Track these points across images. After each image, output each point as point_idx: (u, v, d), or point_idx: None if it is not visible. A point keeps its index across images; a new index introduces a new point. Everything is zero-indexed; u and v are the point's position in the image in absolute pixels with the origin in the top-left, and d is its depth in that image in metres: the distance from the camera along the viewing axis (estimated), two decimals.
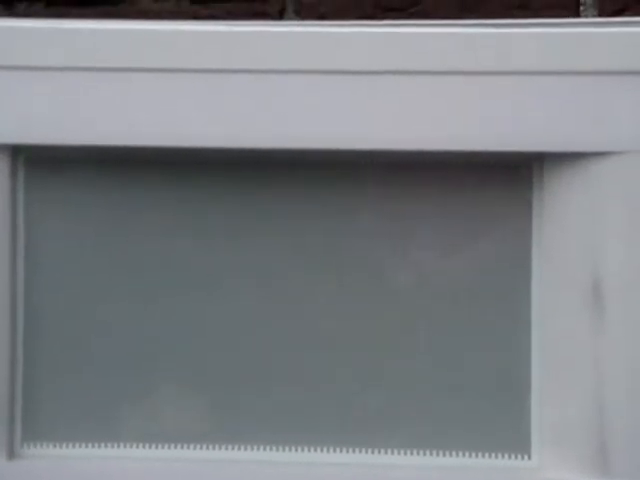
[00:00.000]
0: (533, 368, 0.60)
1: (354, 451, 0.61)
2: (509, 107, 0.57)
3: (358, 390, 0.61)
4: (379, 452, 0.61)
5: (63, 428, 0.62)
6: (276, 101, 0.57)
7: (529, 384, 0.60)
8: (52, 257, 0.62)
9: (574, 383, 0.59)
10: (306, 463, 0.61)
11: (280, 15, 0.69)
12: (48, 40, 0.58)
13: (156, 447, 0.62)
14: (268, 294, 0.61)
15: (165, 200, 0.61)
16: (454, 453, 0.61)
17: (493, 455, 0.61)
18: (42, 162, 0.61)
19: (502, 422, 0.60)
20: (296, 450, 0.61)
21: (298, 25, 0.62)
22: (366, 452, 0.61)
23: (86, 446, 0.62)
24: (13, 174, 0.60)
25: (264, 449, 0.61)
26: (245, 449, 0.61)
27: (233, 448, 0.61)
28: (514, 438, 0.60)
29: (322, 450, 0.61)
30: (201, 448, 0.62)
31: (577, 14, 0.70)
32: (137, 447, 0.62)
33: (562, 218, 0.59)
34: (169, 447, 0.62)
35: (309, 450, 0.61)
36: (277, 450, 0.61)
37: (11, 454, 0.61)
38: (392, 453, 0.61)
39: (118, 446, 0.62)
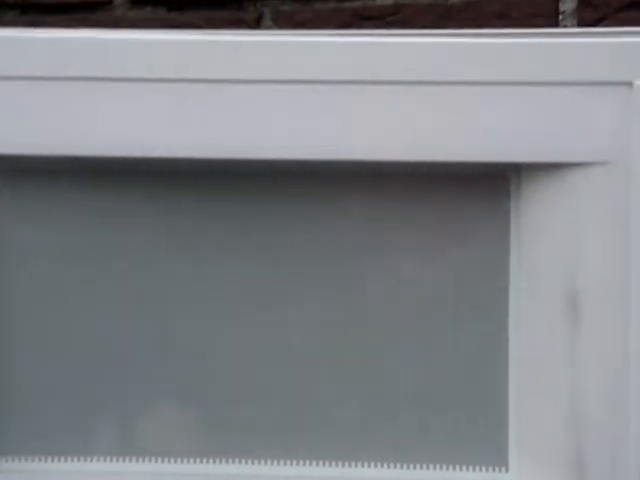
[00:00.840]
0: (510, 380, 0.60)
1: (330, 464, 0.61)
2: (486, 117, 0.57)
3: (335, 404, 0.61)
4: (356, 465, 0.60)
5: (35, 442, 0.61)
6: (251, 111, 0.57)
7: (506, 396, 0.60)
8: (23, 268, 0.61)
9: (551, 395, 0.59)
10: (283, 477, 0.60)
11: (257, 23, 0.69)
12: (18, 49, 0.57)
13: (130, 461, 0.61)
14: (248, 306, 0.61)
15: (136, 210, 0.61)
16: (432, 466, 0.60)
17: (471, 468, 0.60)
18: (12, 172, 0.60)
19: (479, 435, 0.60)
20: (271, 464, 0.61)
21: (275, 34, 0.61)
22: (342, 466, 0.60)
23: (58, 460, 0.61)
24: None
25: (239, 462, 0.61)
26: (220, 462, 0.61)
27: (207, 462, 0.61)
28: (492, 451, 0.60)
29: (297, 464, 0.61)
30: (175, 462, 0.61)
31: (556, 23, 0.70)
32: (110, 461, 0.61)
33: (539, 228, 0.59)
34: (142, 461, 0.61)
35: (285, 464, 0.61)
36: (246, 463, 0.61)
37: None
38: (369, 466, 0.60)
39: (91, 460, 0.61)
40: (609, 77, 0.57)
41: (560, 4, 0.69)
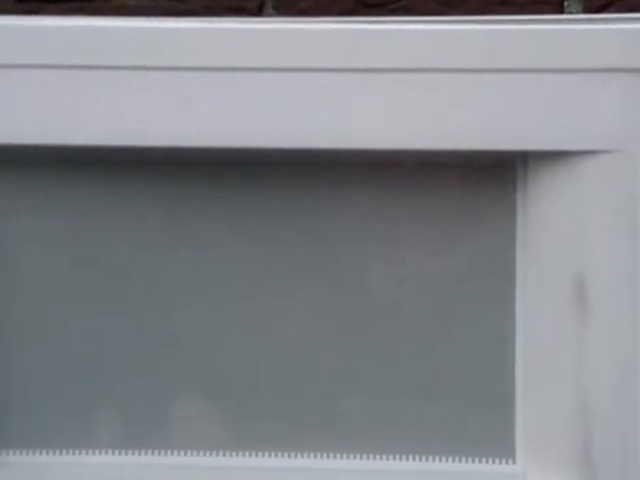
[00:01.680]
0: (517, 372, 0.59)
1: (336, 457, 0.60)
2: (492, 105, 0.56)
3: (343, 396, 0.60)
4: (362, 458, 0.60)
5: (35, 435, 0.60)
6: (252, 99, 0.56)
7: (513, 388, 0.59)
8: (15, 259, 0.60)
9: (558, 386, 0.58)
10: (288, 469, 0.60)
11: (259, 10, 0.68)
12: (14, 37, 0.56)
13: (132, 454, 0.60)
14: (252, 295, 0.60)
15: (134, 199, 0.60)
16: (438, 458, 0.60)
17: (477, 460, 0.60)
18: (7, 162, 0.59)
19: (487, 427, 0.60)
20: (276, 456, 0.60)
21: (276, 22, 0.60)
22: (347, 458, 0.60)
23: (60, 453, 0.60)
24: None
25: (242, 455, 0.60)
26: (224, 455, 0.60)
27: (211, 454, 0.60)
28: (499, 443, 0.59)
29: (304, 456, 0.60)
30: (177, 454, 0.60)
31: (561, 10, 0.69)
32: (112, 454, 0.60)
33: (546, 217, 0.58)
34: (144, 453, 0.60)
35: (289, 456, 0.60)
36: (256, 456, 0.60)
37: None
38: (376, 459, 0.60)
39: (93, 453, 0.60)
40: (616, 64, 0.56)
41: None
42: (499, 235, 0.60)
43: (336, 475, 0.59)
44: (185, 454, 0.60)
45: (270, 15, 0.68)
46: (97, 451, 0.60)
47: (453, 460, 0.60)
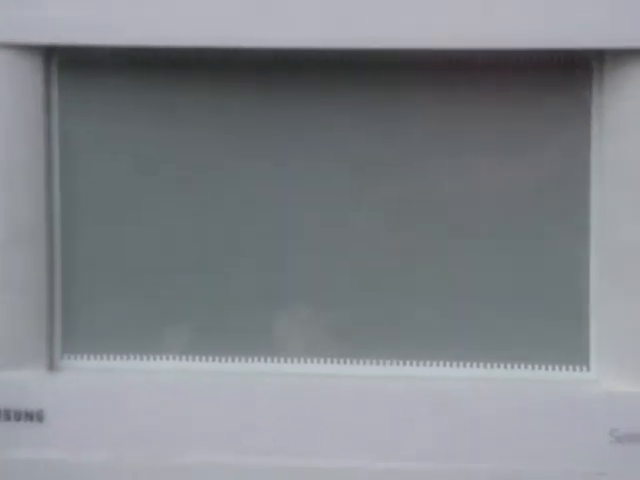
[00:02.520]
0: (592, 279, 0.58)
1: (404, 364, 0.59)
2: (565, 1, 0.54)
3: (409, 302, 0.59)
4: (431, 365, 0.59)
5: (103, 341, 0.60)
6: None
7: (587, 294, 0.58)
8: (88, 164, 0.59)
9: (634, 293, 0.56)
10: (351, 376, 0.59)
11: None
12: None
13: (200, 360, 0.60)
14: (310, 201, 0.59)
15: (199, 103, 0.59)
16: (510, 365, 0.59)
17: (551, 367, 0.58)
18: (76, 63, 0.58)
19: (560, 333, 0.58)
20: (344, 363, 0.59)
21: None
22: (417, 365, 0.59)
23: (127, 358, 0.60)
24: (47, 75, 0.58)
25: (307, 361, 0.60)
26: (285, 361, 0.60)
27: (273, 360, 0.60)
28: (573, 350, 0.58)
29: (366, 363, 0.59)
30: (247, 361, 0.60)
31: None
32: (180, 359, 0.60)
33: (624, 121, 0.56)
34: (212, 360, 0.60)
35: (351, 363, 0.59)
36: (318, 362, 0.59)
37: (51, 366, 0.59)
38: (446, 365, 0.59)
39: (161, 358, 0.60)
40: None
41: None
42: (572, 141, 0.58)
43: (410, 381, 0.59)
44: (264, 360, 0.59)
45: None
46: (165, 356, 0.60)
47: (526, 367, 0.58)
